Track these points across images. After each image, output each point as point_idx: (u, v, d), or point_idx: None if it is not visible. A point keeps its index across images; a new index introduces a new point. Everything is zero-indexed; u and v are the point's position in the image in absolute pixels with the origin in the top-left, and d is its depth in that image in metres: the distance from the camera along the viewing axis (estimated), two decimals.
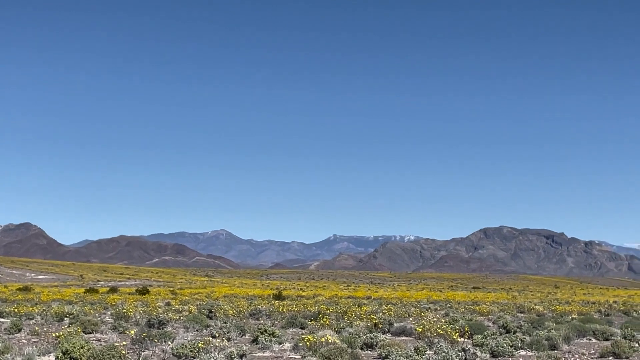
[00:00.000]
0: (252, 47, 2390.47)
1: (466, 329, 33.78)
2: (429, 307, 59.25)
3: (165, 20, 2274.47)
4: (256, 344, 30.07)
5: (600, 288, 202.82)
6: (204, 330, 35.85)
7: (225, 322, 38.59)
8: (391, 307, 53.59)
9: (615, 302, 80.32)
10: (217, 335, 32.33)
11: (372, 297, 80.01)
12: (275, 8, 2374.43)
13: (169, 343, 28.85)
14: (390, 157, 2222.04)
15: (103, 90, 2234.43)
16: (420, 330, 32.22)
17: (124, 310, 43.17)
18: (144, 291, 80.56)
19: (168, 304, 58.21)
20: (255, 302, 60.50)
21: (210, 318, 42.94)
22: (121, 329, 35.47)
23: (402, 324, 38.40)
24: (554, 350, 30.39)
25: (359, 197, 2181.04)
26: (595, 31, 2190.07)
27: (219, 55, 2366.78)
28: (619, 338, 32.48)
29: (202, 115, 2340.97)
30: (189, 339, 30.31)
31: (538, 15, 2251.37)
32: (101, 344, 27.08)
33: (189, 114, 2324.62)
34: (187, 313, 44.89)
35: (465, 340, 32.15)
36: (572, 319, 45.32)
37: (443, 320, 40.63)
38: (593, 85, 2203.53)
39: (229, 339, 31.56)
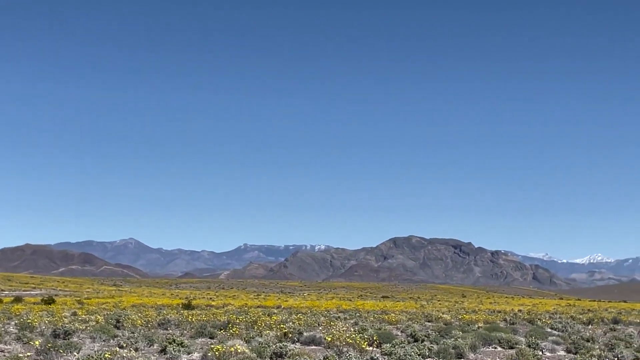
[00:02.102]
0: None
1: (375, 338, 34.03)
2: (339, 316, 59.46)
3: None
4: (164, 354, 29.77)
5: (506, 297, 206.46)
6: (111, 341, 35.29)
7: (133, 332, 38.05)
8: (301, 317, 53.63)
9: (520, 310, 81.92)
10: (124, 345, 31.88)
11: (282, 307, 79.95)
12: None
13: (75, 354, 28.36)
14: (300, 165, 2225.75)
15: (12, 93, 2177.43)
16: (329, 339, 32.36)
17: (28, 321, 42.24)
18: (49, 301, 78.83)
19: (74, 313, 57.11)
20: (164, 312, 59.84)
21: (118, 328, 42.31)
22: (25, 339, 34.65)
23: (311, 333, 38.48)
24: (461, 358, 30.88)
25: (270, 206, 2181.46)
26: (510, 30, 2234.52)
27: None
28: (524, 346, 33.15)
29: (108, 120, 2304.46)
30: (96, 349, 29.84)
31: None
32: (4, 355, 26.47)
33: (95, 119, 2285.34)
34: (94, 323, 44.16)
35: (374, 349, 32.38)
36: (479, 327, 46.02)
37: (352, 330, 40.85)
38: (503, 93, 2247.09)
39: (136, 349, 31.16)
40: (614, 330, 49.58)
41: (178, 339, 31.11)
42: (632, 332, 47.65)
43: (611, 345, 34.63)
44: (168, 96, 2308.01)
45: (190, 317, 49.81)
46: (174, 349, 29.54)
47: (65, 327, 38.31)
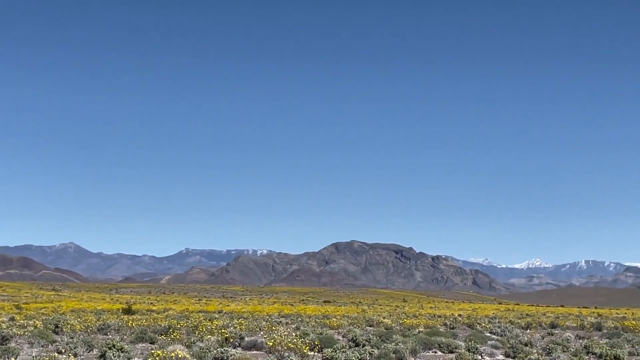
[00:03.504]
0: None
1: (316, 343, 34.13)
2: (280, 321, 59.46)
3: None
4: (104, 359, 29.51)
5: (447, 302, 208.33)
6: (50, 346, 34.89)
7: (72, 337, 37.64)
8: (242, 321, 53.53)
9: (460, 315, 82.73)
10: (63, 350, 31.55)
11: (224, 311, 79.64)
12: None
13: (13, 359, 27.97)
14: (242, 169, 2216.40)
15: None
16: (271, 344, 32.38)
17: None
18: None
19: (12, 319, 56.30)
20: (104, 317, 59.26)
21: (57, 333, 41.84)
22: None
23: (253, 338, 38.45)
24: None
25: (212, 210, 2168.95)
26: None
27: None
28: (463, 350, 33.54)
29: (47, 122, 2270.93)
30: (34, 354, 29.47)
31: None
32: None
33: (33, 121, 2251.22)
34: (32, 328, 43.57)
35: (316, 354, 32.47)
36: (419, 332, 46.40)
37: (294, 334, 40.89)
38: (444, 96, 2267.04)
39: (75, 355, 30.86)
40: (552, 335, 50.34)
41: (118, 344, 30.84)
42: (569, 336, 48.46)
43: (549, 349, 35.22)
44: (102, 98, 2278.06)
45: (130, 322, 49.40)
46: (113, 354, 29.31)
47: (3, 332, 37.79)
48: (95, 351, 32.58)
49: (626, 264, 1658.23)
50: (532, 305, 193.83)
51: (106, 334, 43.58)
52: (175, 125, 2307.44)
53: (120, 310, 72.80)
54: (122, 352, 29.97)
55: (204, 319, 56.86)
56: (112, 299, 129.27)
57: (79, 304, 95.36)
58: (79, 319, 52.89)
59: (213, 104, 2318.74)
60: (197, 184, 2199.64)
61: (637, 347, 37.09)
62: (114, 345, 30.66)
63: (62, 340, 36.27)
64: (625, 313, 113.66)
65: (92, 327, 45.21)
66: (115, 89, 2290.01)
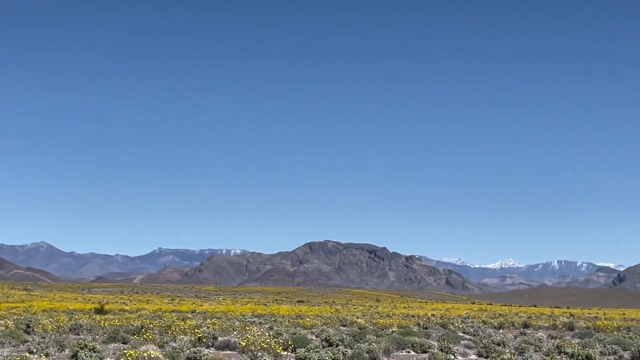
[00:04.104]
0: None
1: (290, 343, 34.09)
2: (254, 321, 59.39)
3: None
4: (76, 359, 29.32)
5: (420, 301, 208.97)
6: (21, 346, 34.62)
7: (43, 337, 37.37)
8: (216, 321, 53.38)
9: (433, 315, 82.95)
10: (34, 350, 31.32)
11: (197, 311, 79.42)
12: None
13: None
14: (215, 169, 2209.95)
15: None
16: (244, 344, 32.31)
17: None
18: None
19: None
20: (76, 317, 58.90)
21: (28, 333, 41.54)
22: None
23: (226, 338, 38.35)
24: None
25: (185, 210, 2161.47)
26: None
27: None
28: (436, 350, 33.63)
29: (19, 120, 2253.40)
30: (5, 354, 29.23)
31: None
32: None
33: (6, 119, 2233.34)
34: (3, 328, 43.20)
35: (289, 353, 32.45)
36: (393, 332, 46.46)
37: (267, 334, 40.83)
38: (414, 96, 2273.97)
39: (47, 355, 30.65)
40: (524, 335, 50.60)
41: (90, 344, 30.66)
42: (541, 336, 48.73)
43: (521, 349, 35.40)
44: (71, 96, 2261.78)
45: (102, 322, 49.13)
46: (85, 354, 29.13)
47: None
48: (67, 351, 32.37)
49: (598, 264, 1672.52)
50: (505, 305, 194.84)
51: (78, 334, 43.32)
52: (150, 124, 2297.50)
53: (93, 310, 72.39)
54: (94, 352, 29.79)
55: (177, 319, 56.67)
56: (84, 299, 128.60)
57: (50, 304, 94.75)
58: (50, 319, 52.55)
59: (185, 104, 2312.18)
60: (170, 183, 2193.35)
61: (608, 346, 37.35)
62: (86, 345, 30.46)
63: (33, 340, 36.00)
64: (597, 313, 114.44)
65: (64, 327, 44.92)
66: (90, 87, 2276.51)
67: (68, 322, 49.10)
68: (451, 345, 35.75)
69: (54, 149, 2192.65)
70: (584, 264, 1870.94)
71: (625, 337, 44.60)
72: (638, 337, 46.34)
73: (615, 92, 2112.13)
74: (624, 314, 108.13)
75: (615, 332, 53.42)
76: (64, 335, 40.42)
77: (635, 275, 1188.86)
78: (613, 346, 37.17)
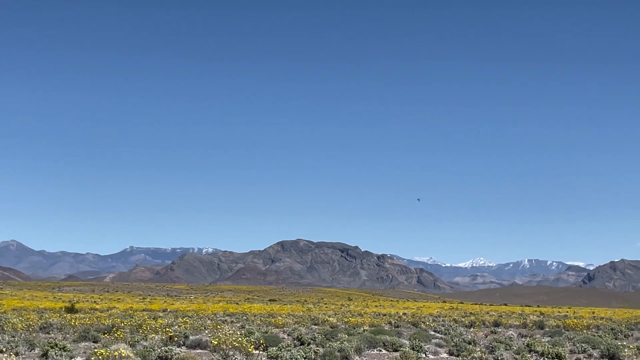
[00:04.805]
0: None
1: (261, 342, 34.09)
2: (225, 320, 59.26)
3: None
4: (46, 358, 29.14)
5: (391, 300, 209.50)
6: None
7: (13, 336, 37.07)
8: (187, 320, 53.26)
9: (405, 313, 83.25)
10: (4, 349, 31.09)
11: (168, 310, 79.15)
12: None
13: None
14: (188, 167, 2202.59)
15: None
16: (215, 343, 32.26)
17: None
18: None
19: None
20: (46, 315, 58.50)
21: None
22: None
23: (197, 336, 38.25)
24: None
25: (157, 208, 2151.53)
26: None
27: None
28: (408, 349, 33.70)
29: None
30: None
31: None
32: None
33: None
34: None
35: (261, 352, 32.44)
36: (364, 330, 46.55)
37: (239, 333, 40.77)
38: (374, 96, 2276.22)
39: (17, 354, 30.44)
40: (495, 333, 50.90)
41: (60, 343, 30.47)
42: (512, 334, 49.03)
43: (492, 347, 35.59)
44: (42, 94, 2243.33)
45: (73, 321, 48.84)
46: (55, 353, 28.96)
47: None
48: (37, 350, 32.16)
49: (568, 263, 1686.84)
50: (476, 304, 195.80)
51: (48, 333, 43.03)
52: (120, 123, 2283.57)
53: (63, 309, 71.90)
54: (64, 351, 29.62)
55: (148, 318, 56.43)
56: (54, 298, 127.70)
57: (20, 303, 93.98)
58: (20, 318, 52.11)
59: (154, 102, 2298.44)
60: (141, 182, 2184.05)
61: (578, 345, 37.63)
62: (56, 344, 30.28)
63: (3, 339, 35.70)
64: (567, 311, 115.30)
65: (34, 325, 44.60)
66: (59, 86, 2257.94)
67: (38, 321, 48.76)
68: (422, 344, 35.87)
69: (23, 147, 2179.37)
70: (554, 263, 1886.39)
71: (594, 336, 44.96)
72: (607, 335, 46.78)
73: (593, 92, 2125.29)
74: (593, 313, 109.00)
75: (584, 331, 53.84)
76: (34, 334, 40.16)
77: (605, 274, 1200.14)
78: (583, 344, 37.45)
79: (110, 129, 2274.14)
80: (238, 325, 53.08)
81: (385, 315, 78.50)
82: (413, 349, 34.36)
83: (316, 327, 54.17)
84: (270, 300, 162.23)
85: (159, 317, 60.10)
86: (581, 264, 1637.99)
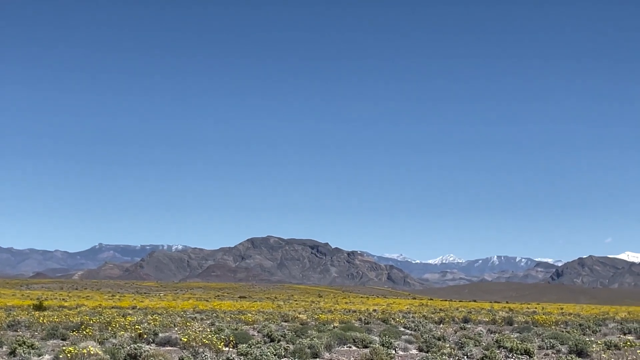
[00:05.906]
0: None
1: (231, 338, 34.05)
2: (195, 317, 59.20)
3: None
4: (14, 356, 28.94)
5: (362, 297, 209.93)
6: None
7: None
8: (157, 317, 53.15)
9: (375, 310, 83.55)
10: None
11: (138, 307, 78.91)
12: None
13: None
14: (156, 164, 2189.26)
15: None
16: (185, 340, 32.20)
17: None
18: None
19: None
20: (14, 313, 58.09)
21: None
22: None
23: (167, 334, 38.17)
24: (316, 358, 31.26)
25: (126, 205, 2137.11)
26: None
27: None
28: (378, 345, 33.79)
29: None
30: None
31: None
32: None
33: None
34: None
35: (230, 349, 32.42)
36: (334, 327, 46.63)
37: (209, 330, 40.72)
38: (340, 93, 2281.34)
39: None
40: (464, 329, 51.22)
41: (28, 341, 30.28)
42: (481, 330, 49.36)
43: (461, 343, 35.78)
44: (19, 94, 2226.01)
45: (41, 319, 48.59)
46: (24, 351, 28.76)
47: None
48: (5, 348, 31.91)
49: (537, 260, 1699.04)
50: (446, 300, 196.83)
51: (16, 331, 42.73)
52: (84, 118, 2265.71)
53: (31, 307, 71.47)
54: (32, 348, 29.43)
55: (117, 315, 56.25)
56: (22, 295, 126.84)
57: None
58: None
59: (126, 99, 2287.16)
60: (110, 178, 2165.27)
61: (547, 341, 37.91)
62: (24, 342, 30.08)
63: None
64: (536, 308, 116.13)
65: (1, 323, 44.30)
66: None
67: (6, 318, 48.43)
68: (392, 340, 35.99)
69: None
70: (523, 259, 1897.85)
71: (563, 332, 45.37)
72: (575, 331, 47.18)
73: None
74: (561, 309, 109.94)
75: (553, 327, 54.34)
76: (1, 332, 39.84)
77: (573, 270, 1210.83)
78: (551, 340, 37.73)
79: (78, 124, 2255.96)
80: (208, 322, 53.02)
81: (355, 312, 78.71)
82: (383, 345, 34.46)
83: (286, 324, 54.24)
84: (240, 297, 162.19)
85: (128, 314, 59.91)
86: (550, 261, 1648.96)
